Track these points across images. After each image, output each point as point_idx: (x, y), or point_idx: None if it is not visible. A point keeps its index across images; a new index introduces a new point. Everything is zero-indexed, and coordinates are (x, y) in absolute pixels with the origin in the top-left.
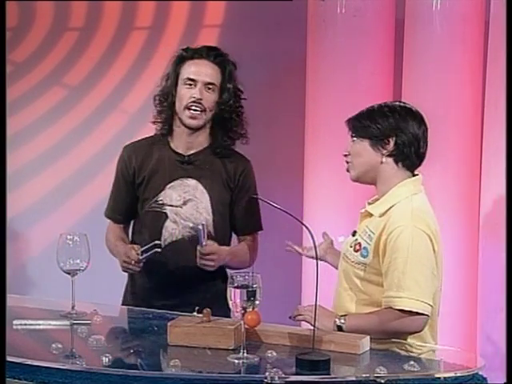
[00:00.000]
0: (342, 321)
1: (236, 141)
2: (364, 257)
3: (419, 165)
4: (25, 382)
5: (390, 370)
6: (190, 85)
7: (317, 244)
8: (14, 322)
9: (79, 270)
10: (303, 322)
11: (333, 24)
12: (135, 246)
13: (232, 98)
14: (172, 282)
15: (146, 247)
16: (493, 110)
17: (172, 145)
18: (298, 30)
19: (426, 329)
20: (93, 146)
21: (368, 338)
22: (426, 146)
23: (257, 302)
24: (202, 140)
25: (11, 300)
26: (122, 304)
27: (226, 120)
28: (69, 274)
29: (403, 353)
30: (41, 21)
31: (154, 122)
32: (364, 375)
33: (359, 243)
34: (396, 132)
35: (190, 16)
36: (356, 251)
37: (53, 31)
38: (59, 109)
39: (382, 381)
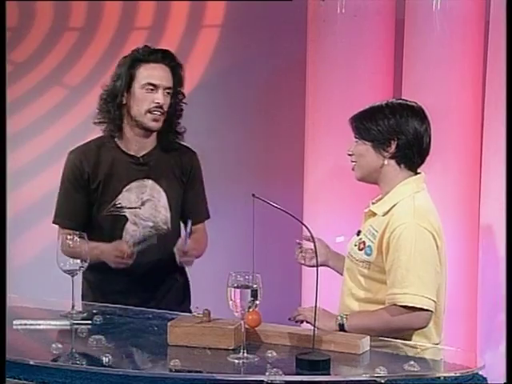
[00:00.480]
0: (344, 319)
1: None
2: (368, 255)
3: (422, 162)
4: (25, 381)
5: (389, 370)
6: (152, 89)
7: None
8: (14, 321)
9: (79, 269)
10: (303, 322)
11: (333, 24)
12: (123, 240)
13: (178, 101)
14: (134, 281)
15: (139, 239)
16: (493, 109)
17: (122, 147)
18: (298, 30)
19: (431, 326)
20: None
21: (368, 338)
22: (430, 140)
23: (257, 302)
24: (151, 140)
25: (11, 300)
26: None
27: (172, 120)
28: (69, 273)
29: (403, 353)
30: (41, 21)
31: (98, 123)
32: (364, 375)
33: (363, 242)
34: (397, 134)
35: (190, 16)
36: (360, 249)
37: (53, 31)
38: (59, 109)
39: (382, 381)
